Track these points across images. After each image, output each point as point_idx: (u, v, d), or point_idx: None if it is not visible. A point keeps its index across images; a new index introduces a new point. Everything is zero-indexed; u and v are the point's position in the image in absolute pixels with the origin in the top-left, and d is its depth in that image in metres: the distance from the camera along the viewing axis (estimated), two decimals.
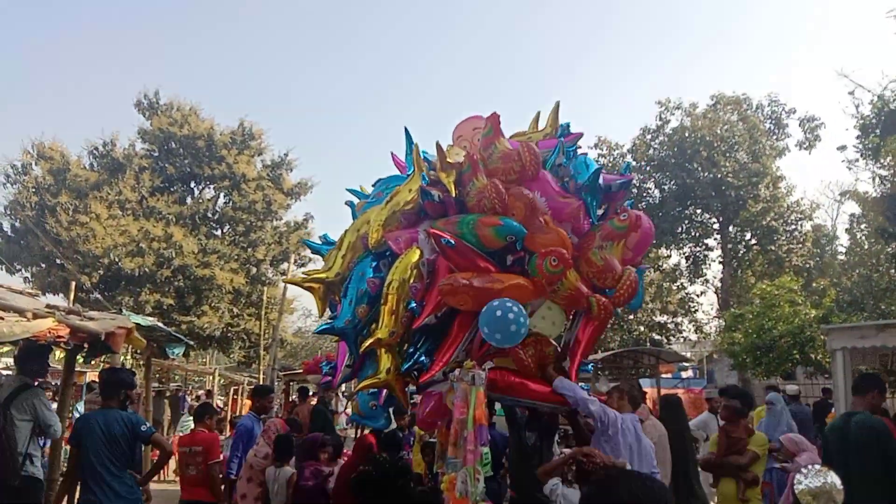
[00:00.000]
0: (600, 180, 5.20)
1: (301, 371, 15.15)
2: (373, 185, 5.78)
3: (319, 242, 5.87)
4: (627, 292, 4.80)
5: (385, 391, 5.55)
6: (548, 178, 5.06)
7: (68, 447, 5.61)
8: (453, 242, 4.58)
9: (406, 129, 5.52)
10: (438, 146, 5.04)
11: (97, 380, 8.95)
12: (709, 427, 8.29)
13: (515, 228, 4.60)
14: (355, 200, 5.89)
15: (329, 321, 5.22)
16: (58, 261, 21.80)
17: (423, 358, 4.89)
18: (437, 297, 4.64)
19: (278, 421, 7.15)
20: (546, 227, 4.70)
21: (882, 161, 19.41)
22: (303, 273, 5.55)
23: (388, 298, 4.71)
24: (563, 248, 4.65)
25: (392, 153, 5.87)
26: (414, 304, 4.73)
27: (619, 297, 4.84)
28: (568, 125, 5.74)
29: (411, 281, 4.70)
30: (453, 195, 4.94)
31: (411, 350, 4.97)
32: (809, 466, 3.45)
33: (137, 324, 6.70)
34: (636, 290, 4.90)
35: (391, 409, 9.91)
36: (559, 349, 5.14)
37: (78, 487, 5.31)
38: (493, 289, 4.51)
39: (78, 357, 6.43)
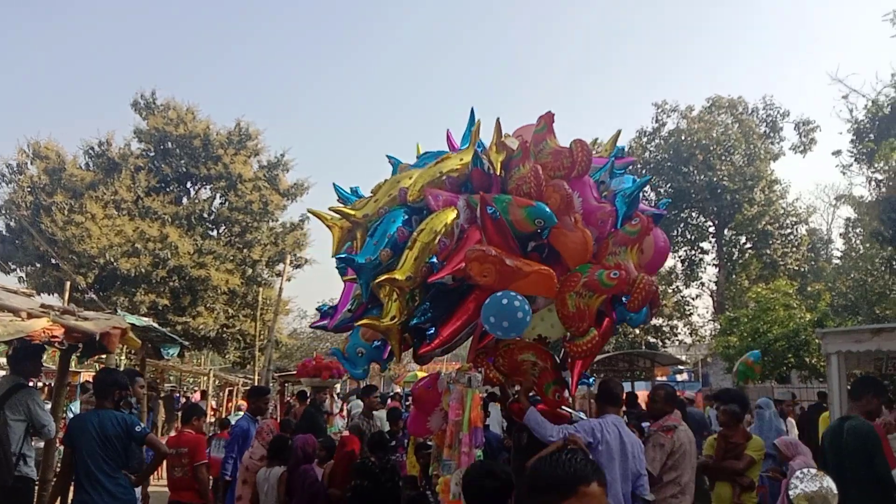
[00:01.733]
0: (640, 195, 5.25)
1: (296, 373, 15.13)
2: (418, 157, 5.61)
3: (348, 191, 5.65)
4: (641, 296, 4.76)
5: (387, 353, 5.41)
6: (588, 182, 5.07)
7: (62, 447, 5.58)
8: (498, 215, 4.53)
9: (472, 109, 5.49)
10: (498, 123, 5.02)
11: (91, 380, 8.92)
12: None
13: (546, 214, 4.53)
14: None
15: (349, 253, 5.03)
16: (53, 260, 21.74)
17: (431, 330, 4.83)
18: (460, 261, 4.54)
19: (271, 422, 7.12)
20: (574, 225, 4.67)
21: (877, 165, 19.47)
22: (330, 209, 5.18)
23: (415, 244, 4.62)
24: (585, 250, 4.63)
25: (448, 131, 5.73)
26: (435, 260, 4.64)
27: (633, 301, 4.82)
28: (623, 149, 5.80)
29: (441, 235, 4.63)
30: (499, 174, 4.92)
31: (425, 307, 4.88)
32: (805, 471, 3.45)
33: (132, 324, 6.68)
34: (650, 294, 4.87)
35: (386, 413, 9.92)
36: (538, 364, 5.06)
37: (72, 488, 5.29)
38: (521, 270, 4.45)
39: (72, 357, 6.40)
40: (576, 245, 4.64)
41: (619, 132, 5.82)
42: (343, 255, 4.96)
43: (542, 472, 1.85)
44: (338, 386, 18.28)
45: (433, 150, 5.57)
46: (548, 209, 4.55)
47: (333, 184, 5.29)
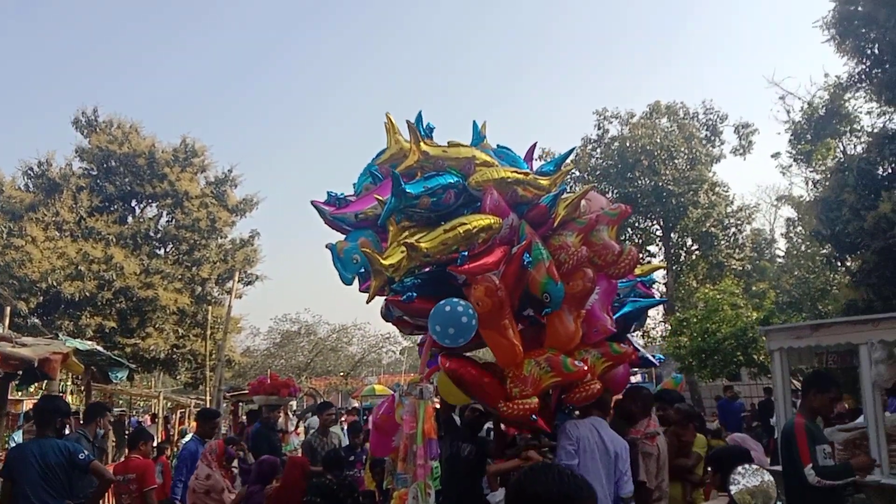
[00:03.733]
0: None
1: (248, 391, 14.88)
2: (498, 146, 5.43)
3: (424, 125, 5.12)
4: (582, 395, 4.79)
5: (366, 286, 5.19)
6: (611, 288, 5.17)
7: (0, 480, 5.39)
8: (526, 266, 4.49)
9: (574, 149, 5.40)
10: (592, 189, 5.24)
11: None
12: None
13: (557, 299, 4.50)
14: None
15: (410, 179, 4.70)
16: None
17: (413, 293, 4.72)
18: (479, 268, 4.46)
19: (216, 442, 7.03)
20: (575, 319, 4.68)
21: (814, 165, 20.17)
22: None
23: (453, 230, 4.48)
24: (568, 344, 4.66)
25: (535, 144, 5.71)
26: (466, 254, 4.50)
27: (572, 396, 4.86)
28: (653, 280, 6.33)
29: (477, 239, 4.52)
30: (554, 225, 4.93)
31: (415, 280, 4.81)
32: (746, 466, 3.53)
33: (76, 348, 6.53)
34: (589, 400, 4.90)
35: (347, 427, 9.78)
36: None
37: None
38: (505, 330, 4.44)
39: (13, 384, 6.22)
40: (565, 336, 4.65)
41: (657, 267, 6.08)
42: (396, 174, 4.60)
43: (549, 489, 1.80)
44: (293, 403, 18.05)
45: (507, 149, 5.44)
46: (562, 296, 4.51)
47: (419, 112, 5.03)
